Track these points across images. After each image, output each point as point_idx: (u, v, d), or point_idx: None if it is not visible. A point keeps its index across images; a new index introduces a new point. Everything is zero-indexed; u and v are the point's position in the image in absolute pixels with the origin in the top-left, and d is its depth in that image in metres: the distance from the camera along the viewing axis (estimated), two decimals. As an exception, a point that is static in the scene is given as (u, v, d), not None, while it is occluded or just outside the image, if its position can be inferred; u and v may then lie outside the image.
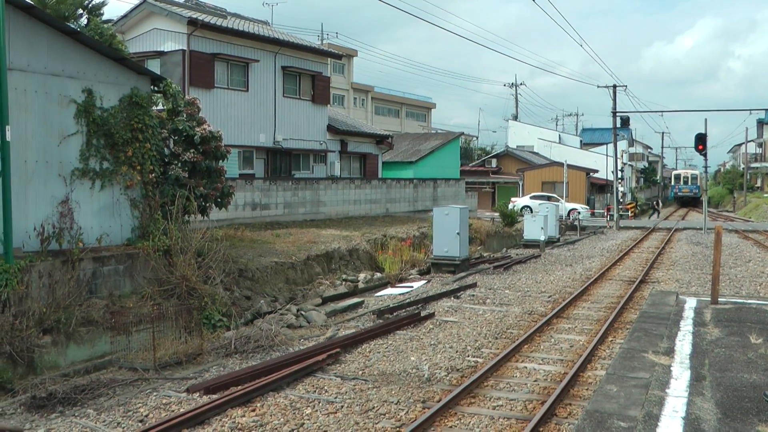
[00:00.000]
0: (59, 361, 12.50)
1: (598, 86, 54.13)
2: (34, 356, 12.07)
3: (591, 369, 12.14)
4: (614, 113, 50.50)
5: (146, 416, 10.02)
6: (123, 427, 9.64)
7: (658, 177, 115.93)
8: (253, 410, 10.08)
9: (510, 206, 52.87)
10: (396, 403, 10.37)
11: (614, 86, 50.07)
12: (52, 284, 13.11)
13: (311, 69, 34.28)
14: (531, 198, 53.64)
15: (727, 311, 12.37)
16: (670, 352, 9.34)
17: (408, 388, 11.10)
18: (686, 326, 11.09)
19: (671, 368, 8.52)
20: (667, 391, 7.61)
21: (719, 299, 13.36)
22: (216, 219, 21.11)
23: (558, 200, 53.66)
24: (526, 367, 12.32)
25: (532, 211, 50.96)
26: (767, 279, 22.67)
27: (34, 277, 12.91)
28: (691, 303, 13.35)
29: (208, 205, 18.88)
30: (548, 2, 40.44)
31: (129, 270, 15.16)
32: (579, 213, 51.17)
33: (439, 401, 10.27)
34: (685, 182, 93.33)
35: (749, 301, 13.86)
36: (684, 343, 9.86)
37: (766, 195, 77.24)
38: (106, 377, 11.86)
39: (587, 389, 10.97)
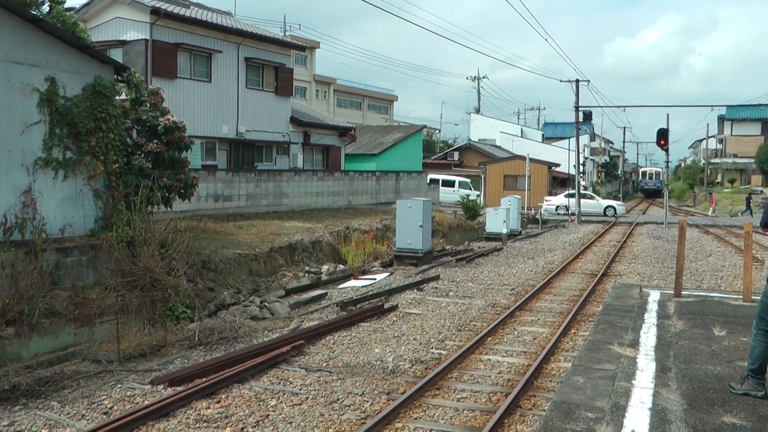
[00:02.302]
0: (22, 353, 12.38)
1: (561, 81, 54.75)
2: (-3, 348, 11.97)
3: (554, 361, 12.28)
4: (577, 108, 50.92)
5: (111, 408, 9.99)
6: (87, 420, 9.60)
7: (619, 171, 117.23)
8: (218, 402, 10.10)
9: (545, 206, 52.95)
10: (361, 395, 10.43)
11: (577, 81, 50.49)
12: (15, 275, 12.98)
13: (274, 60, 34.17)
14: (566, 196, 53.63)
15: (690, 304, 12.51)
16: (635, 344, 9.45)
17: (372, 380, 11.16)
18: (650, 319, 11.22)
19: (637, 360, 8.64)
20: (633, 382, 7.72)
21: (682, 292, 13.53)
22: (179, 210, 21.00)
23: (593, 197, 53.78)
24: (489, 360, 12.40)
25: (567, 210, 50.93)
26: (728, 273, 23.01)
27: (-4, 268, 12.79)
28: (654, 296, 13.48)
29: (171, 196, 18.78)
30: (512, -3, 40.88)
31: (92, 261, 15.05)
32: (615, 209, 51.30)
33: (403, 393, 10.32)
34: (650, 177, 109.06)
35: (712, 294, 14.01)
36: (649, 336, 9.98)
37: (726, 190, 78.29)
38: (69, 369, 11.80)
39: (551, 381, 11.09)
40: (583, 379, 7.85)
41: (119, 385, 10.98)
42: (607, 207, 52.45)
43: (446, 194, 48.49)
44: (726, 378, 7.81)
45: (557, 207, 52.48)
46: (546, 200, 54.90)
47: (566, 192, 55.10)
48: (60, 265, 14.30)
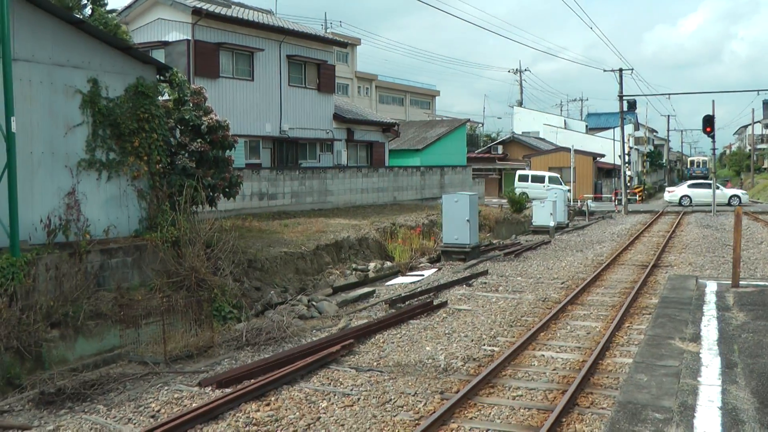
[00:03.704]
0: (68, 356, 12.30)
1: (605, 70, 54.04)
2: (42, 351, 11.87)
3: (610, 356, 11.96)
4: (621, 97, 50.26)
5: (158, 411, 9.83)
6: (134, 423, 9.45)
7: (664, 160, 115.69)
8: (268, 404, 9.89)
9: (667, 197, 52.31)
10: (413, 395, 10.18)
11: (620, 70, 49.86)
12: (60, 277, 12.90)
13: (316, 57, 34.02)
14: (689, 186, 52.87)
15: (749, 294, 12.17)
16: (696, 338, 9.19)
17: (425, 379, 10.91)
18: (710, 311, 10.93)
19: (700, 355, 8.37)
20: (699, 379, 7.45)
21: (740, 282, 13.15)
22: (224, 209, 20.88)
23: (718, 186, 52.75)
24: (543, 356, 12.14)
25: (692, 201, 49.98)
26: (782, 261, 22.42)
27: (41, 270, 12.69)
28: (711, 287, 13.17)
29: (216, 195, 18.66)
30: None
31: (137, 262, 14.95)
32: (740, 198, 49.95)
33: (457, 392, 10.09)
34: (698, 166, 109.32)
35: None
36: (710, 329, 9.71)
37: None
38: (115, 371, 11.70)
39: (608, 377, 10.80)
40: (647, 376, 7.63)
41: (166, 387, 10.84)
42: (732, 196, 50.43)
43: (536, 190, 47.67)
44: (798, 373, 7.46)
45: (681, 197, 51.59)
46: (668, 191, 54.52)
47: (689, 182, 54.26)
48: (104, 267, 14.20)
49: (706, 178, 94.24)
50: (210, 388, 10.61)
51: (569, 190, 51.12)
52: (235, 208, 24.46)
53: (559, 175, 54.06)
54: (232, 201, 20.74)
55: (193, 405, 9.87)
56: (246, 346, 13.20)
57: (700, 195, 50.02)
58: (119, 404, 10.14)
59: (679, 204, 50.88)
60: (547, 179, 52.04)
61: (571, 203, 47.49)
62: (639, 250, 26.56)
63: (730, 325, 9.89)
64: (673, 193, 52.89)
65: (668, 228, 35.18)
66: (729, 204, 49.02)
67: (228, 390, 10.39)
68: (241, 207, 25.57)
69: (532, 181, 52.13)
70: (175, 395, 10.44)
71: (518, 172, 55.17)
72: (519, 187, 51.84)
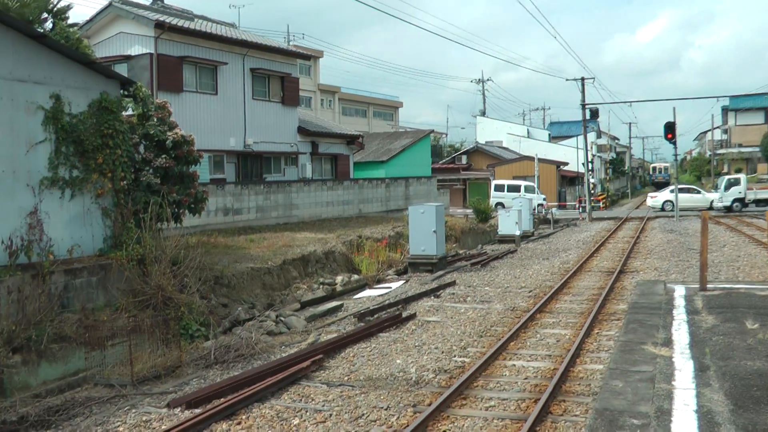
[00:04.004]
0: (30, 381, 11.99)
1: (567, 79, 54.44)
2: (4, 377, 11.55)
3: (581, 363, 12.01)
4: (583, 105, 50.84)
5: (126, 435, 9.64)
6: (102, 447, 9.27)
7: (626, 167, 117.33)
8: (239, 423, 9.74)
9: (650, 202, 53.47)
10: (386, 409, 10.11)
11: (582, 78, 50.37)
12: (22, 300, 12.62)
13: (280, 70, 33.91)
14: (672, 192, 53.53)
15: (717, 297, 12.43)
16: (668, 342, 9.38)
17: (396, 393, 10.84)
18: (680, 315, 11.15)
19: (673, 359, 8.54)
20: (673, 383, 7.57)
21: (707, 285, 13.37)
22: (189, 225, 20.69)
23: (699, 191, 53.95)
24: (514, 365, 12.13)
25: (673, 205, 50.68)
26: (744, 263, 23.00)
27: (2, 293, 12.42)
28: (680, 291, 13.42)
29: (181, 211, 18.47)
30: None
31: (102, 281, 14.71)
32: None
33: (429, 405, 10.02)
34: (660, 172, 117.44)
35: (737, 286, 14.01)
36: (681, 333, 9.91)
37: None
38: (81, 396, 11.45)
39: (579, 384, 10.84)
40: (622, 382, 7.74)
41: (134, 410, 10.63)
42: (713, 200, 51.79)
43: (512, 200, 48.22)
44: (767, 373, 7.68)
45: (664, 202, 52.58)
46: (651, 196, 55.75)
47: (671, 188, 55.32)
48: (69, 288, 13.96)
49: (668, 182, 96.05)
50: (179, 409, 10.43)
51: (545, 198, 51.96)
52: (201, 224, 24.26)
53: (535, 185, 54.60)
54: (198, 217, 20.55)
55: (163, 427, 9.70)
56: (215, 364, 13.03)
57: (682, 200, 51.02)
58: (85, 429, 9.92)
59: (662, 209, 51.97)
60: (523, 188, 52.57)
61: (546, 211, 48.10)
62: (605, 257, 26.83)
63: (700, 328, 10.06)
64: (656, 199, 53.98)
65: (633, 234, 35.71)
66: (711, 208, 50.07)
67: (198, 410, 10.22)
68: (206, 223, 25.37)
69: (508, 191, 52.65)
70: (144, 418, 10.24)
71: (494, 182, 55.79)
72: (495, 197, 52.38)
